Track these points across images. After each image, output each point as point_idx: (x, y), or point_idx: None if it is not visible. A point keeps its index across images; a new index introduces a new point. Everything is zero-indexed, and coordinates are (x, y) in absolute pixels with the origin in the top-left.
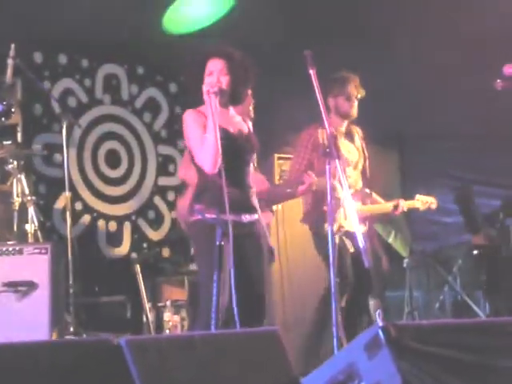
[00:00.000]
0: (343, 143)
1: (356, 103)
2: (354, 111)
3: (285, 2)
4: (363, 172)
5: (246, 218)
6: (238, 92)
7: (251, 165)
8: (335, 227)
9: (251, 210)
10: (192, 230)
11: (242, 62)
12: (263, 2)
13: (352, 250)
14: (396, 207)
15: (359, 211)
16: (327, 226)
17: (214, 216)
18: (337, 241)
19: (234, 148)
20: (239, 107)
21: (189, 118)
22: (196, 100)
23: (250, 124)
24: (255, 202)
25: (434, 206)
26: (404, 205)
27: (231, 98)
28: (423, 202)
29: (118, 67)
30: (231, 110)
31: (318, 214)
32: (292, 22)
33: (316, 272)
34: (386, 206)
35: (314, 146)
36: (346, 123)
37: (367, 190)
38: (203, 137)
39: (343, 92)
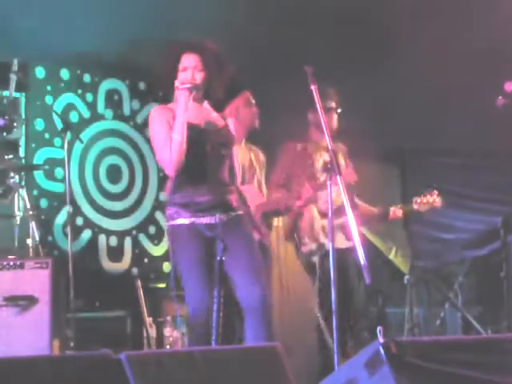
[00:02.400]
0: (325, 158)
1: (336, 116)
2: (334, 124)
3: (286, 12)
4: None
5: (221, 217)
6: (212, 87)
7: (227, 161)
8: (314, 246)
9: (226, 208)
10: (168, 236)
11: (217, 57)
12: (266, 13)
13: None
14: (385, 215)
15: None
16: (305, 246)
17: (182, 221)
18: (316, 260)
19: (203, 143)
20: (243, 116)
21: (154, 114)
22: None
23: (231, 121)
24: (232, 199)
25: (438, 204)
26: (397, 211)
27: (206, 93)
28: (423, 202)
29: (120, 82)
30: (205, 104)
31: (297, 233)
32: (293, 34)
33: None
34: (373, 210)
35: (294, 160)
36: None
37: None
38: (167, 136)
39: (323, 106)
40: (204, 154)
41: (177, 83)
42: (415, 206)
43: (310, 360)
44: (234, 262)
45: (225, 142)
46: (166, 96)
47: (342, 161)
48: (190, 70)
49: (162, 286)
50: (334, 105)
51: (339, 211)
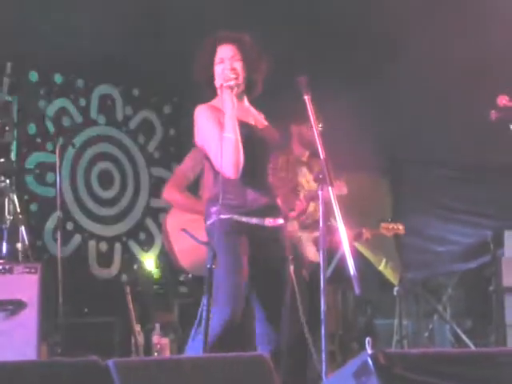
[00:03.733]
0: (303, 173)
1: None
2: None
3: (287, 20)
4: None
5: (270, 222)
6: (253, 79)
7: (272, 161)
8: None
9: (276, 213)
10: (211, 232)
11: (253, 46)
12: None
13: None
14: (360, 235)
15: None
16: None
17: (231, 216)
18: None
19: (256, 141)
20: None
21: (202, 114)
22: (189, 120)
23: (263, 118)
24: (278, 203)
25: (401, 232)
26: (367, 233)
27: (247, 87)
28: (389, 228)
29: (114, 88)
30: (246, 101)
31: None
32: (285, 43)
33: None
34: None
35: (274, 171)
36: (307, 153)
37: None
38: (221, 137)
39: (306, 120)
40: (255, 153)
41: (218, 79)
42: (383, 231)
43: (298, 370)
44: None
45: (272, 142)
46: (160, 104)
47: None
48: (227, 60)
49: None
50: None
51: (317, 225)
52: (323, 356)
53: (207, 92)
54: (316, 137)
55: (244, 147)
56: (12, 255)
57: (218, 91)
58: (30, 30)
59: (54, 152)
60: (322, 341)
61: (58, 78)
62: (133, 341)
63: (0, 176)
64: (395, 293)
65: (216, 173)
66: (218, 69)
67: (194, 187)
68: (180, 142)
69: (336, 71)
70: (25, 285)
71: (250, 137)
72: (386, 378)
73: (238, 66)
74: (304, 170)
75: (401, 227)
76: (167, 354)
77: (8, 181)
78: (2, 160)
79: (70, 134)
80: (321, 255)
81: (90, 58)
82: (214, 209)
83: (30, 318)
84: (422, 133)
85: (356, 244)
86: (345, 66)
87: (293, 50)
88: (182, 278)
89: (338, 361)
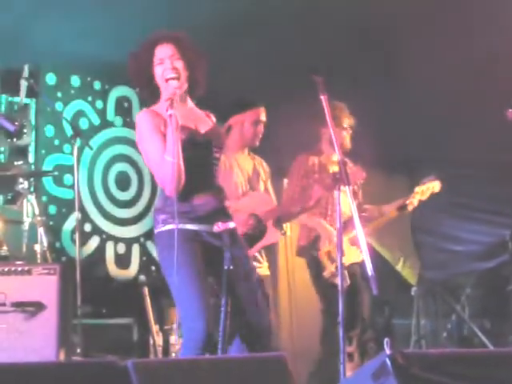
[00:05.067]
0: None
1: (347, 133)
2: (346, 142)
3: (297, 23)
4: (358, 199)
5: (219, 227)
6: (195, 78)
7: (218, 164)
8: (333, 267)
9: (225, 216)
10: (159, 241)
11: (191, 44)
12: (276, 26)
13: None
14: (404, 207)
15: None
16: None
17: (178, 226)
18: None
19: (199, 146)
20: (246, 132)
21: (144, 122)
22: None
23: (213, 118)
24: (227, 207)
25: (436, 189)
26: (410, 202)
27: (190, 86)
28: (424, 191)
29: (130, 90)
30: (189, 102)
31: (311, 251)
32: (302, 45)
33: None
34: (392, 214)
35: (306, 172)
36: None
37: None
38: (163, 152)
39: (336, 123)
40: (199, 157)
41: (160, 81)
42: (418, 197)
43: (318, 369)
44: (238, 279)
45: (218, 143)
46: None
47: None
48: (167, 60)
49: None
50: (348, 122)
51: (350, 224)
52: (342, 357)
53: (146, 95)
54: (332, 137)
55: (187, 152)
56: (31, 257)
57: (162, 95)
58: (48, 33)
59: (71, 154)
60: (341, 342)
61: (75, 81)
62: (151, 342)
63: (18, 178)
64: (413, 293)
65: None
66: (158, 70)
67: None
68: None
69: (350, 70)
70: (43, 286)
71: (192, 142)
72: (404, 379)
73: (179, 64)
74: (336, 169)
75: (436, 184)
76: None
77: (26, 183)
78: (21, 162)
79: (88, 136)
80: (338, 256)
81: (107, 60)
82: (162, 217)
83: (48, 319)
84: (437, 131)
85: (373, 243)
86: (358, 64)
87: (315, 50)
88: None
89: (356, 361)
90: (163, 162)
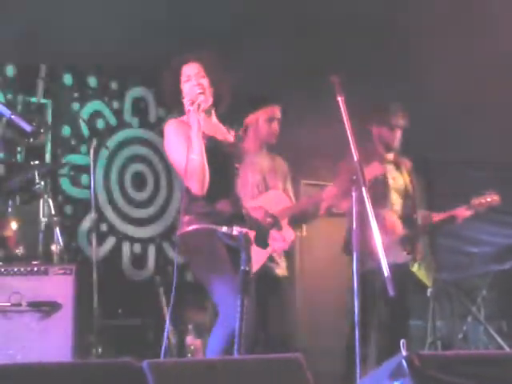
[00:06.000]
0: (389, 170)
1: (399, 133)
2: (397, 142)
3: (314, 27)
4: (412, 200)
5: (237, 230)
6: (220, 94)
7: (238, 175)
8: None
9: (242, 222)
10: (185, 241)
11: (217, 62)
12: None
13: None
14: (456, 216)
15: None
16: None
17: (204, 225)
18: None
19: (222, 155)
20: (261, 130)
21: (172, 129)
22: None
23: (233, 133)
24: (244, 214)
25: (495, 203)
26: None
27: (215, 101)
28: (482, 203)
29: (147, 90)
30: (214, 117)
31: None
32: (321, 48)
33: (338, 297)
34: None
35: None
36: (392, 154)
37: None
38: (188, 155)
39: (387, 122)
40: (222, 165)
41: (187, 105)
42: (476, 207)
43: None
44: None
45: (238, 157)
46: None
47: (406, 176)
48: (193, 77)
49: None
50: (400, 122)
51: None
52: (357, 358)
53: (177, 112)
54: (349, 137)
55: (211, 160)
56: (47, 257)
57: (187, 109)
58: (65, 33)
59: (88, 154)
60: (356, 343)
61: (92, 81)
62: (166, 342)
63: (35, 178)
64: (429, 294)
65: (185, 186)
66: (185, 87)
67: None
68: None
69: (366, 69)
70: (60, 286)
71: (216, 150)
72: (421, 380)
73: (204, 81)
74: (390, 167)
75: (495, 198)
76: (200, 355)
77: (43, 183)
78: (37, 162)
79: (104, 137)
80: (354, 257)
81: (124, 61)
82: (186, 218)
83: (64, 319)
84: (454, 133)
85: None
86: (376, 64)
87: (330, 49)
88: None
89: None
90: (189, 160)
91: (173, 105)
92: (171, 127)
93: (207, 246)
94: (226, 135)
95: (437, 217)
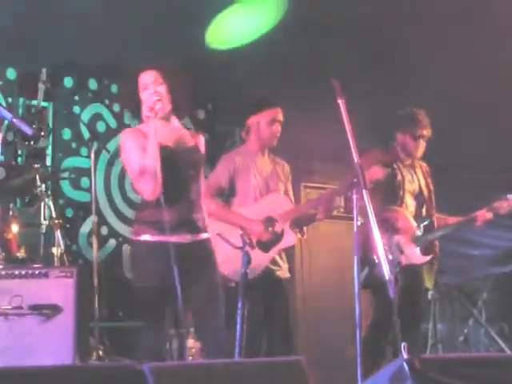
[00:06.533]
0: (405, 173)
1: (423, 144)
2: (420, 152)
3: (310, 28)
4: (428, 203)
5: (188, 238)
6: (177, 100)
7: (198, 180)
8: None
9: (196, 228)
10: (132, 249)
11: (173, 69)
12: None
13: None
14: (476, 219)
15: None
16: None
17: (151, 238)
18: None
19: (174, 164)
20: (262, 132)
21: (127, 138)
22: (223, 126)
23: (202, 139)
24: (201, 220)
25: None
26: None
27: (174, 108)
28: (503, 207)
29: None
30: (175, 121)
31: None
32: (319, 49)
33: (341, 300)
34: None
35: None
36: (410, 159)
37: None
38: (142, 163)
39: (413, 132)
40: (173, 174)
41: (145, 112)
42: (497, 210)
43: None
44: (195, 290)
45: (193, 163)
46: (194, 109)
47: (422, 179)
48: (150, 85)
49: None
50: (425, 133)
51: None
52: (358, 360)
53: (136, 118)
54: (350, 140)
55: (164, 169)
56: (48, 260)
57: (145, 118)
58: (65, 37)
59: (88, 157)
60: (357, 345)
61: (92, 84)
62: (167, 345)
63: (36, 181)
64: (430, 297)
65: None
66: (143, 95)
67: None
68: (213, 147)
69: (366, 71)
70: (60, 289)
71: (169, 159)
72: (422, 383)
73: (161, 88)
74: (406, 170)
75: None
76: (201, 358)
77: (44, 186)
78: (38, 165)
79: (105, 140)
80: (355, 260)
81: (124, 63)
82: (135, 227)
83: (65, 322)
84: (457, 136)
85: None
86: (376, 66)
87: (331, 51)
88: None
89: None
90: (142, 167)
91: (132, 112)
92: (126, 135)
93: (142, 261)
94: (187, 139)
95: (451, 220)
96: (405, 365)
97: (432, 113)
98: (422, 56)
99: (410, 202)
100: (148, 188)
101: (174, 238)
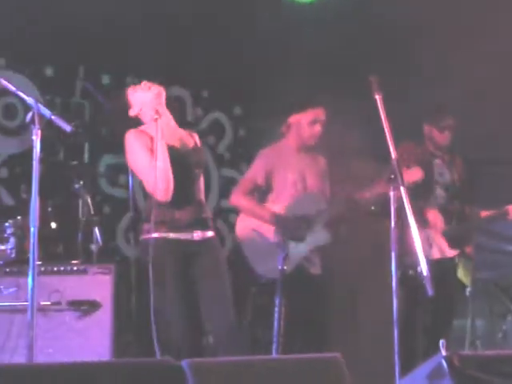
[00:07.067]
0: (437, 164)
1: (449, 134)
2: (446, 142)
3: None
4: (460, 196)
5: (198, 235)
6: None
7: (201, 179)
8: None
9: (204, 226)
10: (142, 248)
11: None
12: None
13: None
14: (507, 212)
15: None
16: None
17: (161, 235)
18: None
19: (182, 162)
20: (302, 132)
21: (133, 140)
22: (259, 121)
23: (197, 137)
24: (210, 218)
25: None
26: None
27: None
28: None
29: (184, 90)
30: (172, 122)
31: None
32: (357, 47)
33: (380, 296)
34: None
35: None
36: (440, 151)
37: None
38: (151, 164)
39: (439, 124)
40: (182, 174)
41: (150, 114)
42: None
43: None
44: (206, 286)
45: (199, 162)
46: (230, 105)
47: (455, 172)
48: (153, 87)
49: None
50: (450, 123)
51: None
52: (396, 358)
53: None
54: (387, 136)
55: (173, 170)
56: (86, 256)
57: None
58: (102, 34)
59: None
60: (395, 343)
61: (129, 81)
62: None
63: (74, 178)
64: (467, 293)
65: (147, 193)
66: (147, 97)
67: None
68: (250, 143)
69: (404, 70)
70: (99, 285)
71: (176, 159)
72: (460, 380)
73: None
74: (437, 161)
75: None
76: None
77: (82, 182)
78: (76, 162)
79: None
80: (392, 256)
81: (161, 61)
82: (146, 226)
83: (103, 317)
84: (490, 130)
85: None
86: (414, 64)
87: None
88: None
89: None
90: (152, 167)
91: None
92: (132, 137)
93: (156, 259)
94: (188, 139)
95: (484, 213)
96: (443, 362)
97: (468, 106)
98: (465, 45)
99: (440, 195)
100: (162, 190)
101: (186, 236)
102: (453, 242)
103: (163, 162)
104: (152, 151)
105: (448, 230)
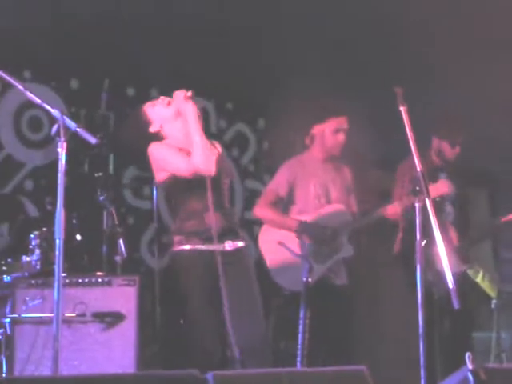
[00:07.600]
0: (442, 178)
1: (459, 150)
2: (454, 157)
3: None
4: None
5: (230, 245)
6: None
7: (228, 188)
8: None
9: (234, 236)
10: (174, 259)
11: None
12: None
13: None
14: None
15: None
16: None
17: (193, 247)
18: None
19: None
20: (326, 141)
21: (158, 147)
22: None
23: (219, 147)
24: (237, 226)
25: None
26: None
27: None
28: None
29: (207, 102)
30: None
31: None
32: (380, 56)
33: (404, 307)
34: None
35: (412, 178)
36: (444, 163)
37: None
38: (180, 151)
39: (450, 138)
40: (211, 182)
41: (184, 95)
42: None
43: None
44: (237, 298)
45: (227, 172)
46: (254, 117)
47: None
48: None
49: None
50: (461, 139)
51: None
52: (422, 371)
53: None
54: (412, 148)
55: (201, 180)
56: (111, 268)
57: (182, 106)
58: (127, 47)
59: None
60: (421, 356)
61: (153, 93)
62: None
63: (98, 190)
64: (493, 306)
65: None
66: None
67: None
68: (273, 155)
69: (431, 77)
70: (123, 297)
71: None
72: None
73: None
74: (442, 175)
75: None
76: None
77: (106, 194)
78: (101, 174)
79: None
80: (418, 270)
81: (185, 73)
82: (177, 238)
83: (128, 329)
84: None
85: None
86: (440, 71)
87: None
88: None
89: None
90: (194, 143)
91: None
92: (157, 145)
93: (188, 270)
94: (212, 150)
95: (505, 218)
96: (470, 375)
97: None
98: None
99: (449, 210)
100: (202, 159)
101: (218, 247)
102: (465, 256)
103: (200, 138)
104: (181, 150)
105: (460, 245)
